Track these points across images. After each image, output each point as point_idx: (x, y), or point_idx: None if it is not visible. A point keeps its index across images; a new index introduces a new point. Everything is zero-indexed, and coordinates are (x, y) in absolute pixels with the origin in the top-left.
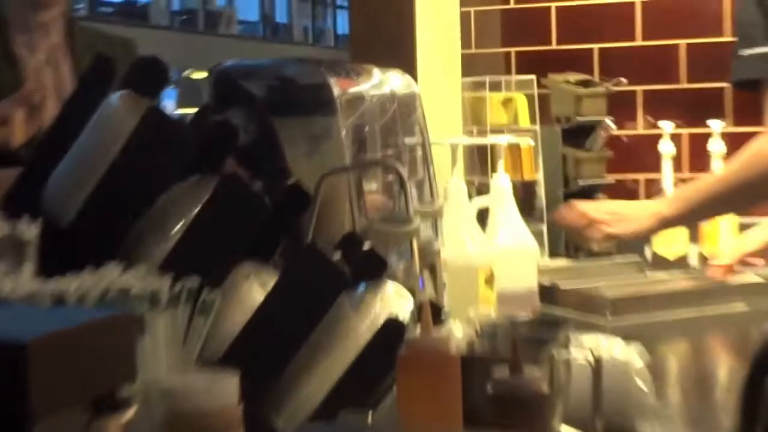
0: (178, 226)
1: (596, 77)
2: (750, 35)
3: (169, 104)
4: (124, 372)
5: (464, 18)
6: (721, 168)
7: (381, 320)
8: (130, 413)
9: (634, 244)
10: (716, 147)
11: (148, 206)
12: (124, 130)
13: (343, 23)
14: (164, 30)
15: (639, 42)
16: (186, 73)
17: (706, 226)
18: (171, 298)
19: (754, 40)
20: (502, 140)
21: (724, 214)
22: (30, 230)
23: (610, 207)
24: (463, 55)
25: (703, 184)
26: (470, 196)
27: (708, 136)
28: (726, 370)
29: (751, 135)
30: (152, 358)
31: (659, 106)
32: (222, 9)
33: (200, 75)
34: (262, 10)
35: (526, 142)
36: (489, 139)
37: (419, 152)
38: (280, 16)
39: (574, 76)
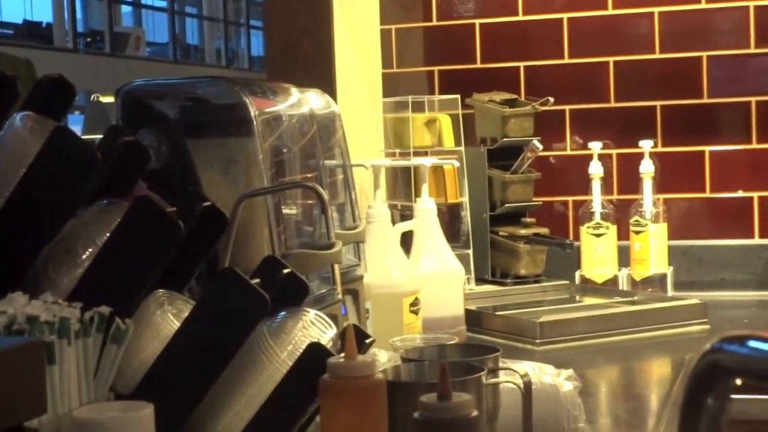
0: (88, 253)
1: (522, 96)
2: None
3: (76, 130)
4: (33, 403)
5: (385, 36)
6: None
7: (302, 347)
8: None
9: (562, 268)
10: (646, 167)
11: (56, 232)
12: (27, 153)
13: (257, 44)
14: (69, 52)
15: (566, 60)
16: (93, 97)
17: (636, 249)
18: (81, 326)
19: None
20: (426, 162)
21: None
22: None
23: None
24: (384, 75)
25: None
26: (393, 221)
27: (638, 156)
28: (657, 394)
29: (682, 155)
30: (62, 389)
31: (588, 125)
32: (130, 30)
33: (108, 99)
34: (172, 31)
35: (450, 164)
36: (412, 161)
37: (340, 175)
38: (192, 38)
39: (499, 96)
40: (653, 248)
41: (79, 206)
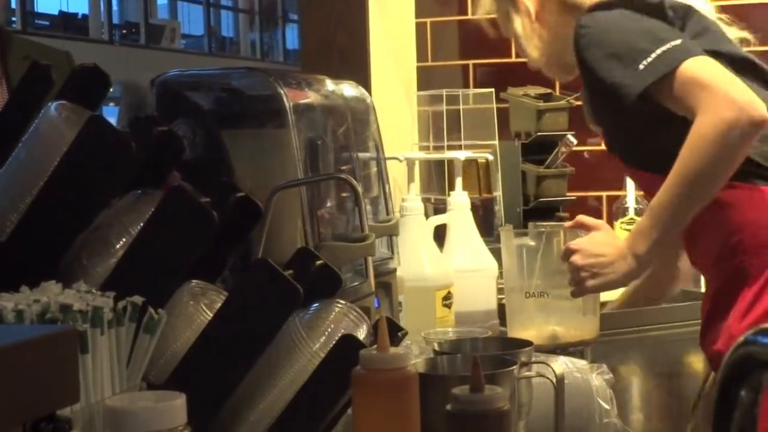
0: (121, 242)
1: (557, 91)
2: (640, 48)
3: (111, 122)
4: (66, 392)
5: (420, 29)
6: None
7: (334, 339)
8: None
9: None
10: None
11: (89, 221)
12: (62, 142)
13: (292, 38)
14: (104, 44)
15: None
16: None
17: None
18: (114, 315)
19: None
20: (460, 156)
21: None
22: None
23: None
24: (419, 68)
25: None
26: (427, 214)
27: None
28: (690, 389)
29: None
30: (95, 378)
31: None
32: (165, 22)
33: None
34: (207, 23)
35: (484, 157)
36: (446, 155)
37: (374, 168)
38: (227, 30)
39: (534, 90)
40: None
41: (113, 196)
